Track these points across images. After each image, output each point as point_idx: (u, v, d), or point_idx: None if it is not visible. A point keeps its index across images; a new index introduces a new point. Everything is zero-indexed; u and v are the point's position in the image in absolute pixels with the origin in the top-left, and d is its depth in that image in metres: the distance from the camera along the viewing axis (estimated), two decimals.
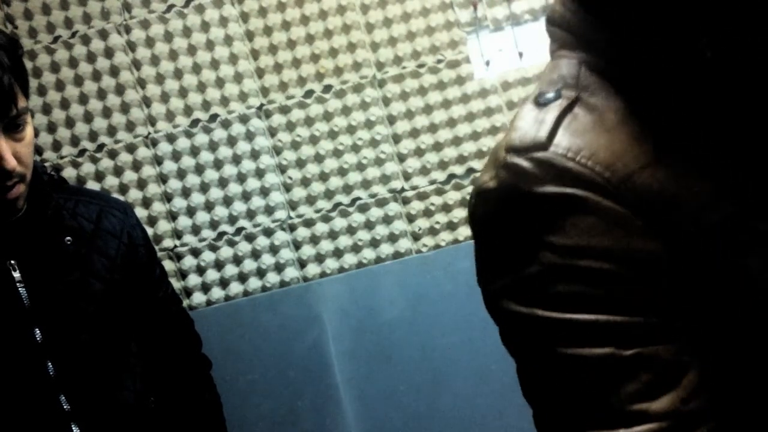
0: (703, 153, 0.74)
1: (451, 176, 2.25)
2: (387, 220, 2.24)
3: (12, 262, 1.31)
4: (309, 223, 2.24)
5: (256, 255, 2.24)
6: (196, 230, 2.24)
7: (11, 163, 1.20)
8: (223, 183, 2.23)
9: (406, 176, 2.24)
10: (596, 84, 0.79)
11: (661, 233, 0.73)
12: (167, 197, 2.23)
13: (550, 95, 0.79)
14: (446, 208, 2.25)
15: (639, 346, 0.71)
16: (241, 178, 2.23)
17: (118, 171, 2.22)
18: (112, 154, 2.22)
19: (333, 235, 2.25)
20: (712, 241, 0.73)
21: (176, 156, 2.22)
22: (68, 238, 1.37)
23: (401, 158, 2.24)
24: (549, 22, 0.85)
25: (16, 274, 1.31)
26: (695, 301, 0.74)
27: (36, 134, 2.19)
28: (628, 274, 0.72)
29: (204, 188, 2.23)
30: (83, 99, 2.21)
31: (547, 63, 0.85)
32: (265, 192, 2.23)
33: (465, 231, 2.25)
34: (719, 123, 0.75)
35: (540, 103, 0.79)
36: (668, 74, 0.76)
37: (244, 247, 2.24)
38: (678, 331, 0.73)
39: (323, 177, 2.24)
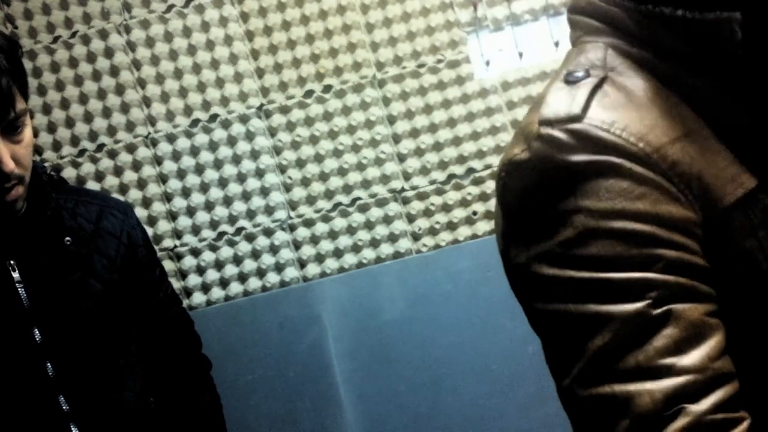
0: (727, 131, 0.76)
1: (451, 176, 2.25)
2: (387, 220, 2.24)
3: (11, 262, 1.31)
4: (309, 223, 2.24)
5: (256, 255, 2.24)
6: (196, 230, 2.24)
7: (9, 165, 1.20)
8: (223, 183, 2.23)
9: (406, 176, 2.24)
10: (623, 65, 0.81)
11: (691, 204, 0.75)
12: (167, 197, 2.23)
13: (580, 74, 0.81)
14: (446, 208, 2.25)
15: (669, 303, 0.72)
16: (241, 178, 2.23)
17: (118, 171, 2.22)
18: (112, 154, 2.22)
19: (333, 235, 2.25)
20: (730, 219, 0.75)
21: (176, 156, 2.22)
22: (68, 238, 1.37)
23: (401, 158, 2.24)
24: (572, 11, 0.87)
25: (16, 275, 1.31)
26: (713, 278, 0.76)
27: (36, 134, 2.19)
28: (661, 236, 0.73)
29: (204, 188, 2.23)
30: (83, 99, 2.21)
31: (570, 50, 0.87)
32: (265, 192, 2.23)
33: (465, 231, 2.25)
34: (743, 102, 0.76)
35: (570, 81, 0.81)
36: (698, 55, 0.77)
37: (244, 247, 2.24)
38: (707, 295, 0.74)
39: (323, 177, 2.24)
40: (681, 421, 0.69)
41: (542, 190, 0.76)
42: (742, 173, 0.76)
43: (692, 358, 0.71)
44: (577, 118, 0.76)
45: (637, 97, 0.80)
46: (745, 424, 0.73)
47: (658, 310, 0.72)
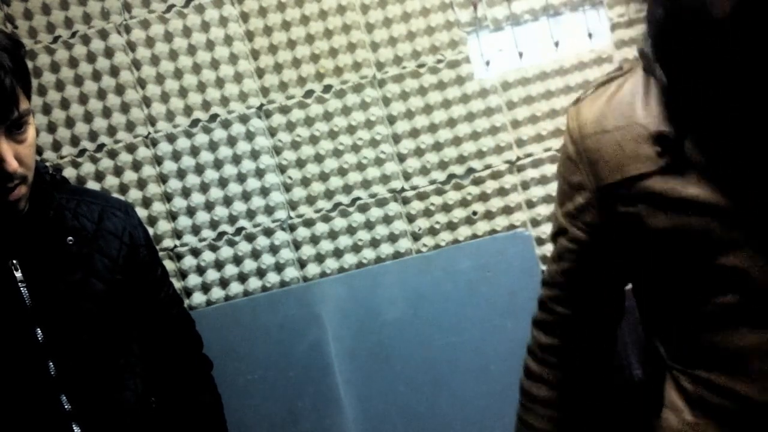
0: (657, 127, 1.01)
1: (451, 176, 2.25)
2: (387, 220, 2.24)
3: (14, 261, 1.31)
4: (309, 223, 2.24)
5: (256, 255, 2.24)
6: (196, 230, 2.23)
7: (13, 165, 1.20)
8: (223, 183, 2.23)
9: (406, 176, 2.24)
10: (637, 69, 1.06)
11: (587, 176, 1.09)
12: (167, 197, 2.23)
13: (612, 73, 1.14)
14: (446, 208, 2.25)
15: (560, 235, 1.20)
16: (241, 178, 2.23)
17: (118, 171, 2.22)
18: (112, 154, 2.22)
19: (333, 235, 2.25)
20: (614, 192, 1.05)
21: (176, 156, 2.22)
22: (70, 238, 1.37)
23: (401, 158, 2.24)
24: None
25: (18, 274, 1.31)
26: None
27: (36, 134, 2.18)
28: (566, 193, 1.14)
29: (204, 188, 2.23)
30: (83, 99, 2.21)
31: None
32: (265, 192, 2.23)
33: (465, 231, 2.25)
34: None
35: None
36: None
37: (244, 247, 2.24)
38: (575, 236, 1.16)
39: (323, 177, 2.24)
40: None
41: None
42: (635, 163, 1.01)
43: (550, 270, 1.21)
44: (575, 102, 1.15)
45: (615, 93, 1.07)
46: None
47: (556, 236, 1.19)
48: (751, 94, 0.88)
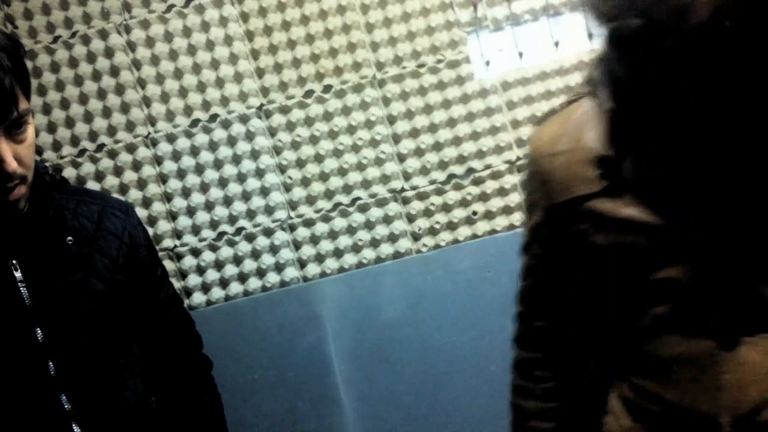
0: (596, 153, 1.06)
1: (451, 176, 2.25)
2: (387, 220, 2.24)
3: (13, 261, 1.31)
4: (309, 223, 2.24)
5: (256, 255, 2.24)
6: (196, 230, 2.23)
7: (12, 165, 1.20)
8: (223, 183, 2.23)
9: (406, 176, 2.24)
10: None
11: (542, 194, 1.14)
12: (167, 197, 2.23)
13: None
14: (446, 208, 2.25)
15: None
16: (241, 178, 2.23)
17: (118, 171, 2.22)
18: (112, 154, 2.22)
19: (333, 235, 2.25)
20: (563, 211, 1.10)
21: (176, 156, 2.22)
22: (70, 238, 1.36)
23: (401, 158, 2.24)
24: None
25: (18, 274, 1.30)
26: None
27: (36, 134, 2.17)
28: (526, 208, 1.19)
29: (204, 188, 2.23)
30: (83, 99, 2.21)
31: None
32: (265, 192, 2.23)
33: (465, 231, 2.25)
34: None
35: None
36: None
37: (244, 247, 2.24)
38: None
39: (323, 177, 2.24)
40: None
41: None
42: (581, 185, 1.06)
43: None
44: (538, 123, 1.19)
45: (570, 116, 1.12)
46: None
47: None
48: (711, 107, 0.91)
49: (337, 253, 2.25)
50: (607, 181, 1.04)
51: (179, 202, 2.23)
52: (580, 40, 2.24)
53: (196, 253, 2.24)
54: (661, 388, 1.07)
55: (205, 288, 2.24)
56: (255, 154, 2.23)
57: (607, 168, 1.04)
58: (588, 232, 1.08)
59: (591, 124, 1.07)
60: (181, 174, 2.22)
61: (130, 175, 2.22)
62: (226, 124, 2.22)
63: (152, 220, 2.22)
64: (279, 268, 2.24)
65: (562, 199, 1.10)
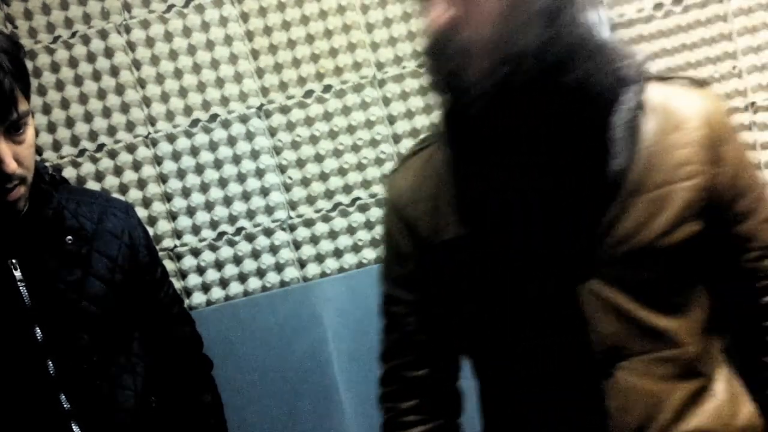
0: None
1: None
2: None
3: (13, 261, 1.31)
4: (309, 223, 2.24)
5: (256, 255, 2.24)
6: (196, 230, 2.23)
7: (11, 166, 1.21)
8: (223, 183, 2.23)
9: None
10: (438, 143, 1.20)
11: (408, 240, 1.20)
12: (167, 197, 2.23)
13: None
14: None
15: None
16: (241, 178, 2.23)
17: (118, 171, 2.22)
18: (112, 154, 2.22)
19: (333, 235, 2.25)
20: (431, 253, 1.16)
21: (176, 156, 2.22)
22: (69, 237, 1.37)
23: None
24: None
25: (17, 273, 1.31)
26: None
27: (36, 134, 2.17)
28: (390, 259, 1.25)
29: (204, 188, 2.23)
30: (83, 99, 2.21)
31: None
32: (265, 192, 2.23)
33: None
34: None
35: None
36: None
37: (244, 247, 2.24)
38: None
39: (323, 177, 2.24)
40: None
41: None
42: (445, 228, 1.14)
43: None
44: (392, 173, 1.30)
45: (427, 162, 1.19)
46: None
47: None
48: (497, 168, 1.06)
49: (337, 253, 2.25)
50: (461, 226, 1.13)
51: (179, 202, 2.23)
52: None
53: (196, 253, 2.24)
54: (547, 417, 1.14)
55: (205, 288, 2.24)
56: (255, 154, 2.23)
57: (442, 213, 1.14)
58: (448, 272, 1.16)
59: (445, 170, 1.15)
60: (181, 174, 2.22)
61: (130, 175, 2.22)
62: (226, 124, 2.22)
63: (152, 220, 2.22)
64: (279, 268, 2.24)
65: (429, 242, 1.16)
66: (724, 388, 1.12)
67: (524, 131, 1.02)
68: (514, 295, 1.11)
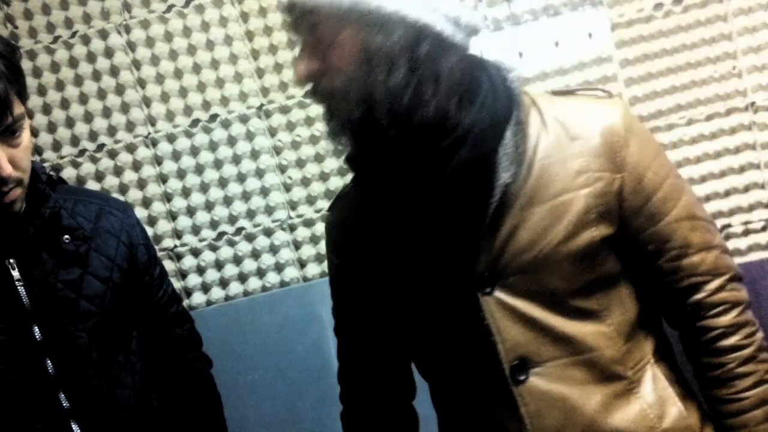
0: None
1: None
2: None
3: (11, 260, 1.31)
4: (309, 223, 2.24)
5: (256, 255, 2.24)
6: (196, 230, 2.24)
7: (7, 169, 1.21)
8: (223, 183, 2.23)
9: None
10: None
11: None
12: (167, 197, 2.23)
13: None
14: None
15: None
16: (241, 178, 2.23)
17: (118, 171, 2.22)
18: (112, 154, 2.22)
19: None
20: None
21: (176, 156, 2.22)
22: (66, 236, 1.37)
23: None
24: None
25: (15, 273, 1.31)
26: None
27: (36, 134, 2.19)
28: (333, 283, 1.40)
29: (204, 188, 2.23)
30: (83, 99, 2.21)
31: None
32: (265, 192, 2.23)
33: None
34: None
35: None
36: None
37: (244, 247, 2.24)
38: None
39: (323, 177, 2.24)
40: None
41: None
42: (360, 257, 1.22)
43: None
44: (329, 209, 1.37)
45: (351, 199, 1.24)
46: None
47: None
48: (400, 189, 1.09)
49: None
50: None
51: (179, 202, 2.23)
52: (580, 40, 2.24)
53: (196, 253, 2.24)
54: (473, 421, 1.19)
55: (205, 288, 2.24)
56: (255, 154, 2.23)
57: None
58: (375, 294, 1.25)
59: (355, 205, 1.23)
60: (181, 174, 2.22)
61: (130, 175, 2.22)
62: (226, 124, 2.22)
63: (152, 220, 2.22)
64: (279, 268, 2.24)
65: (356, 263, 1.25)
66: (651, 389, 1.14)
67: (403, 164, 1.06)
68: (426, 312, 1.17)
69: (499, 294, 1.10)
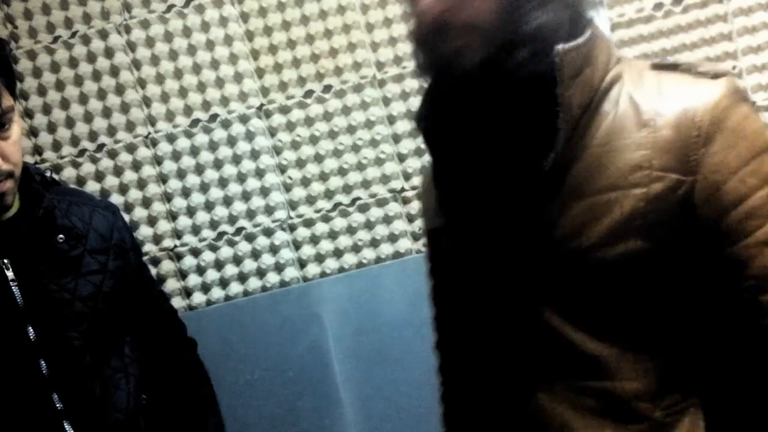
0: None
1: None
2: (387, 220, 2.24)
3: (5, 261, 1.31)
4: (309, 223, 2.24)
5: (256, 255, 2.24)
6: (196, 230, 2.24)
7: None
8: (223, 183, 2.23)
9: (406, 176, 2.24)
10: None
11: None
12: (167, 197, 2.23)
13: None
14: None
15: None
16: (241, 178, 2.23)
17: (118, 171, 2.22)
18: (112, 154, 2.22)
19: (333, 235, 2.25)
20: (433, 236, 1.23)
21: (176, 156, 2.23)
22: (61, 236, 1.37)
23: (401, 158, 2.24)
24: None
25: (9, 273, 1.31)
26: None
27: (36, 134, 2.20)
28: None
29: (204, 188, 2.23)
30: (83, 99, 2.21)
31: None
32: (265, 192, 2.23)
33: None
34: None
35: None
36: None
37: (244, 247, 2.24)
38: None
39: (323, 177, 2.24)
40: None
41: None
42: (433, 218, 1.18)
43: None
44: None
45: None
46: None
47: None
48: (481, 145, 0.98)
49: (337, 253, 2.25)
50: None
51: (179, 202, 2.23)
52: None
53: (196, 253, 2.24)
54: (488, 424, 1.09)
55: (205, 288, 2.24)
56: (255, 154, 2.23)
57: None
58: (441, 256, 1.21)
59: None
60: (181, 174, 2.23)
61: (130, 175, 2.22)
62: (226, 124, 2.22)
63: (152, 220, 2.22)
64: (279, 268, 2.24)
65: (430, 227, 1.24)
66: None
67: (492, 117, 0.94)
68: (477, 285, 1.06)
69: (529, 293, 0.97)
